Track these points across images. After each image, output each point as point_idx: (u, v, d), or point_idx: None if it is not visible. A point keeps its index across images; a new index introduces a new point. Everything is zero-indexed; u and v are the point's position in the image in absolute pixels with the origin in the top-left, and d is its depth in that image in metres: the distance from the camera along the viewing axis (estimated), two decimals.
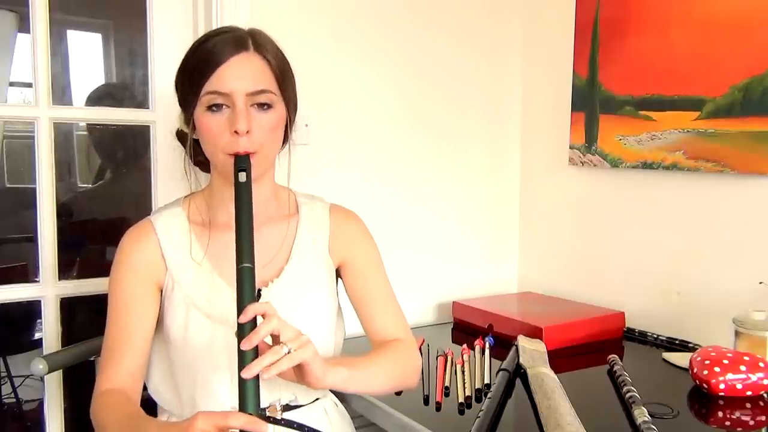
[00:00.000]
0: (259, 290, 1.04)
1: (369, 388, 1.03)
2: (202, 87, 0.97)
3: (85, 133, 1.65)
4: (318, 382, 0.89)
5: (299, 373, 0.89)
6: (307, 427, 1.05)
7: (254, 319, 0.84)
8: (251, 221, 0.91)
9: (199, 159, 1.09)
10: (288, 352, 0.84)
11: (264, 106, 0.99)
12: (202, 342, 1.01)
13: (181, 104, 1.04)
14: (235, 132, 0.95)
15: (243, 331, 0.82)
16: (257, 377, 0.81)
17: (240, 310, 0.83)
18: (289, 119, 1.05)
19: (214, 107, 0.97)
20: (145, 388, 1.09)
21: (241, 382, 0.80)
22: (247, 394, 0.80)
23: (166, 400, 1.08)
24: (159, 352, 1.08)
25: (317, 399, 1.11)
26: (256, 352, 0.82)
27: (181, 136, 1.12)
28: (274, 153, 1.05)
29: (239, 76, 0.97)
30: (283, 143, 1.08)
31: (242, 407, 0.80)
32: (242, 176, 0.94)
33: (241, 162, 0.96)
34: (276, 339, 0.86)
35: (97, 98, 1.59)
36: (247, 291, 0.85)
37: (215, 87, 0.97)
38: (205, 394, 1.02)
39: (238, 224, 0.90)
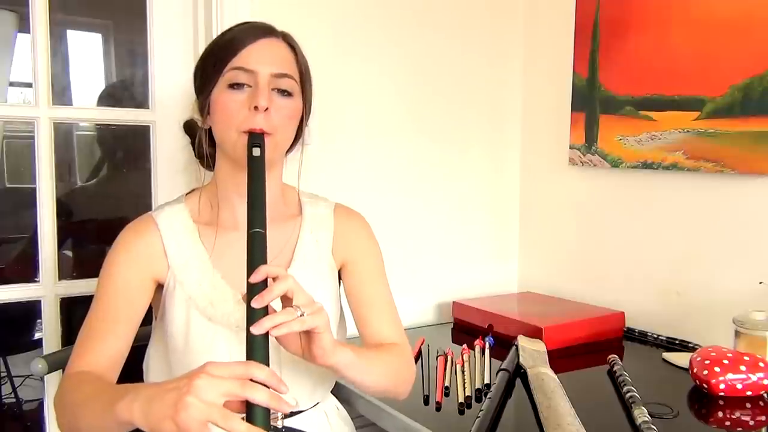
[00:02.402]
0: None
1: (364, 380, 0.99)
2: (227, 64, 0.98)
3: (85, 133, 1.65)
4: (325, 355, 0.86)
5: (306, 345, 0.86)
6: None
7: (264, 282, 0.81)
8: (264, 191, 0.90)
9: (207, 151, 1.07)
10: (301, 316, 0.81)
11: (285, 93, 1.00)
12: (203, 345, 1.00)
13: (198, 89, 1.04)
14: (255, 108, 0.96)
15: (253, 293, 0.79)
16: (266, 336, 0.77)
17: (251, 272, 0.81)
18: (304, 117, 1.06)
19: (235, 85, 0.98)
20: None
21: (250, 339, 0.77)
22: (256, 350, 0.76)
23: None
24: (159, 354, 1.07)
25: (318, 403, 1.10)
26: (265, 314, 0.79)
27: (189, 128, 1.12)
28: (286, 143, 1.04)
29: (267, 56, 0.99)
30: (293, 144, 1.08)
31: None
32: (256, 151, 0.94)
33: (255, 138, 0.96)
34: (288, 303, 0.83)
35: (108, 96, 1.59)
36: (258, 254, 0.83)
37: (241, 63, 0.98)
38: None
39: (250, 193, 0.89)
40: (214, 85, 0.99)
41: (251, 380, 0.73)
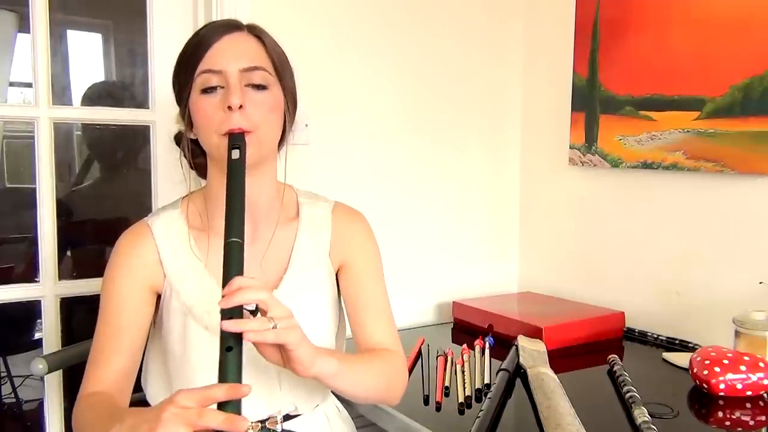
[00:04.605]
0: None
1: (354, 389, 0.98)
2: (195, 69, 0.96)
3: (85, 133, 1.65)
4: (305, 369, 0.85)
5: (286, 358, 0.85)
6: None
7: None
8: (243, 197, 0.88)
9: (197, 161, 1.06)
10: (274, 327, 0.80)
11: (259, 87, 0.97)
12: (201, 354, 0.98)
13: (177, 99, 1.02)
14: (229, 108, 0.93)
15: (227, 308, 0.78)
16: (239, 350, 0.77)
17: (225, 285, 0.80)
18: (288, 109, 1.02)
19: (208, 90, 0.95)
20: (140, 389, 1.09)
21: (222, 355, 0.77)
22: (228, 366, 0.76)
23: None
24: (156, 362, 1.05)
25: (318, 405, 1.08)
26: (239, 336, 0.78)
27: (179, 140, 1.11)
28: (272, 138, 1.00)
29: (233, 52, 0.96)
30: (282, 140, 1.05)
31: (222, 380, 0.76)
32: (235, 153, 0.91)
33: (235, 139, 0.93)
34: (264, 315, 0.82)
35: (94, 97, 1.59)
36: (234, 266, 0.81)
37: (209, 65, 0.95)
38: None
39: (228, 200, 0.87)
40: (189, 92, 0.97)
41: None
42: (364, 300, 1.09)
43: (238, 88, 0.94)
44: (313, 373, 0.87)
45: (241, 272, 0.82)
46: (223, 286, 0.80)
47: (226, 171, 0.91)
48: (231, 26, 0.99)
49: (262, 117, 0.96)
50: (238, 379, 0.76)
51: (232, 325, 0.77)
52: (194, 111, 0.97)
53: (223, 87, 0.95)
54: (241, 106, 0.93)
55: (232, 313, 0.78)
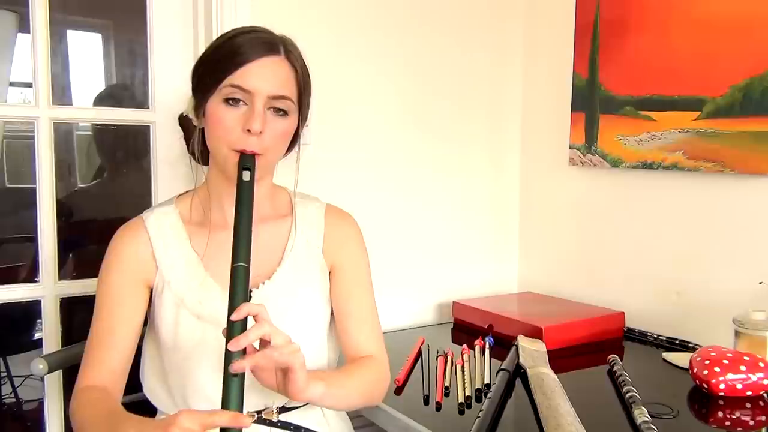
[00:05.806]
0: (250, 291, 1.03)
1: (339, 404, 1.04)
2: (225, 78, 0.97)
3: (85, 133, 1.65)
4: (299, 393, 0.88)
5: (282, 382, 0.89)
6: (304, 428, 1.05)
7: (245, 319, 0.83)
8: (250, 221, 0.90)
9: (198, 149, 1.08)
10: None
11: (280, 112, 0.99)
12: (192, 343, 1.01)
13: (194, 90, 1.03)
14: (248, 131, 0.95)
15: (233, 329, 0.82)
16: (242, 376, 0.81)
17: (231, 308, 0.83)
18: (299, 129, 1.05)
19: (231, 101, 0.97)
20: (140, 388, 1.10)
21: (226, 380, 0.80)
22: (231, 392, 0.80)
23: (161, 401, 1.07)
24: (152, 354, 1.07)
25: None
26: (243, 354, 0.82)
27: (183, 121, 1.12)
28: (277, 159, 1.05)
29: (266, 77, 0.97)
30: (288, 149, 1.08)
31: (225, 405, 0.79)
32: (246, 175, 0.94)
33: (246, 161, 0.96)
34: (265, 344, 0.85)
35: (101, 98, 1.59)
36: (240, 290, 0.85)
37: (239, 81, 0.96)
38: (196, 396, 1.01)
39: (237, 223, 0.90)
40: (210, 94, 0.98)
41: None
42: (349, 307, 1.12)
43: (261, 114, 0.96)
44: (305, 397, 0.90)
45: (246, 297, 0.85)
46: (230, 312, 0.83)
47: (236, 191, 0.94)
48: (269, 47, 0.99)
49: (274, 142, 1.00)
50: (240, 407, 0.80)
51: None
52: (211, 117, 0.99)
53: (246, 103, 0.97)
54: (260, 132, 0.96)
55: (234, 329, 0.82)
